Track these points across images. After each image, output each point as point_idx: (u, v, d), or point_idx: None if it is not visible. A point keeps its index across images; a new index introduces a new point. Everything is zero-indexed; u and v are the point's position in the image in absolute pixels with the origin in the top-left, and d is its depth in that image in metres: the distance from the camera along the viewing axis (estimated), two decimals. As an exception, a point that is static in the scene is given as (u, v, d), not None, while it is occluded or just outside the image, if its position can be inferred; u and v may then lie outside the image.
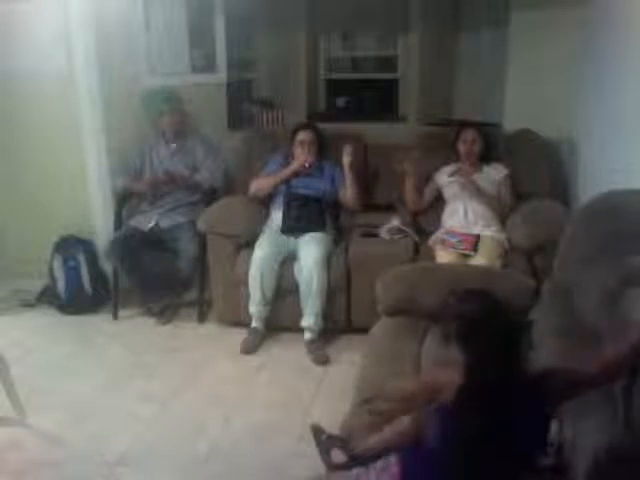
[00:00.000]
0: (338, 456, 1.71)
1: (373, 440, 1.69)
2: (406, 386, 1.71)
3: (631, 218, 1.80)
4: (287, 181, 3.35)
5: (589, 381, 1.38)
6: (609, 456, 1.25)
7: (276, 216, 3.30)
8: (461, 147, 3.29)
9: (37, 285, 3.64)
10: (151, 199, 3.52)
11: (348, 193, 3.35)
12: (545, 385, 1.38)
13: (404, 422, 1.66)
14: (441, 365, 1.66)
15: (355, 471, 1.59)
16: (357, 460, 1.67)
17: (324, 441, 1.79)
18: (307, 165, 3.32)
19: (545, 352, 1.75)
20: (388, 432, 1.68)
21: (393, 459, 1.52)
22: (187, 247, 3.37)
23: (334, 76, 5.14)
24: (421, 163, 3.32)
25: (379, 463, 1.54)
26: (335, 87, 5.15)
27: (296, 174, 3.35)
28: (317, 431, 1.84)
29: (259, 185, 3.39)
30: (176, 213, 3.49)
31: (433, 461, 1.44)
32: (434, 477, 1.45)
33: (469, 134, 3.28)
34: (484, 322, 1.43)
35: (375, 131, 3.80)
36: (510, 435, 1.36)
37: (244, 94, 4.60)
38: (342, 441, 1.74)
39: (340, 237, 3.34)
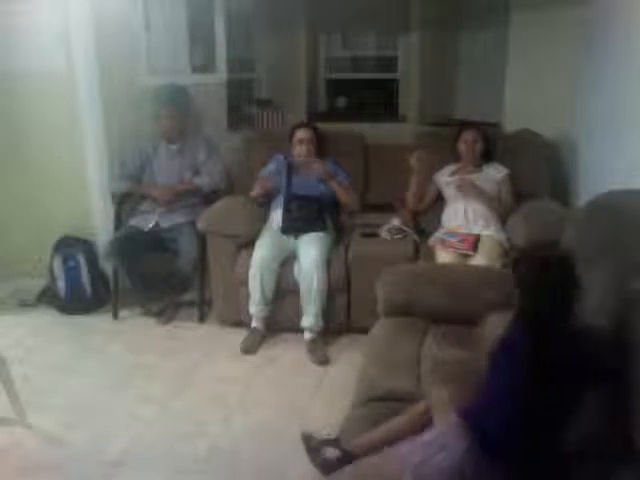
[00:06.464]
0: (332, 453, 1.70)
1: (376, 434, 1.68)
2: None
3: (631, 218, 1.80)
4: (287, 181, 3.34)
5: None
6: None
7: (276, 216, 3.29)
8: (462, 147, 3.28)
9: (37, 285, 3.64)
10: (151, 200, 3.51)
11: (341, 199, 3.36)
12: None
13: (413, 412, 1.66)
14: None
15: (405, 447, 1.54)
16: (352, 456, 1.66)
17: (315, 447, 1.78)
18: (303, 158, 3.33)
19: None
20: (396, 422, 1.67)
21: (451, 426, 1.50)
22: (187, 247, 3.37)
23: (334, 76, 5.14)
24: (428, 162, 3.31)
25: (425, 436, 1.52)
26: (335, 87, 5.15)
27: (296, 172, 3.34)
28: (307, 438, 1.84)
29: (255, 193, 3.38)
30: (176, 213, 3.48)
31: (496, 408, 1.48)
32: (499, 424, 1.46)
33: (470, 134, 3.28)
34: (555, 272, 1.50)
35: (375, 131, 3.80)
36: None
37: (244, 94, 4.59)
38: (334, 442, 1.74)
39: (340, 237, 3.34)
